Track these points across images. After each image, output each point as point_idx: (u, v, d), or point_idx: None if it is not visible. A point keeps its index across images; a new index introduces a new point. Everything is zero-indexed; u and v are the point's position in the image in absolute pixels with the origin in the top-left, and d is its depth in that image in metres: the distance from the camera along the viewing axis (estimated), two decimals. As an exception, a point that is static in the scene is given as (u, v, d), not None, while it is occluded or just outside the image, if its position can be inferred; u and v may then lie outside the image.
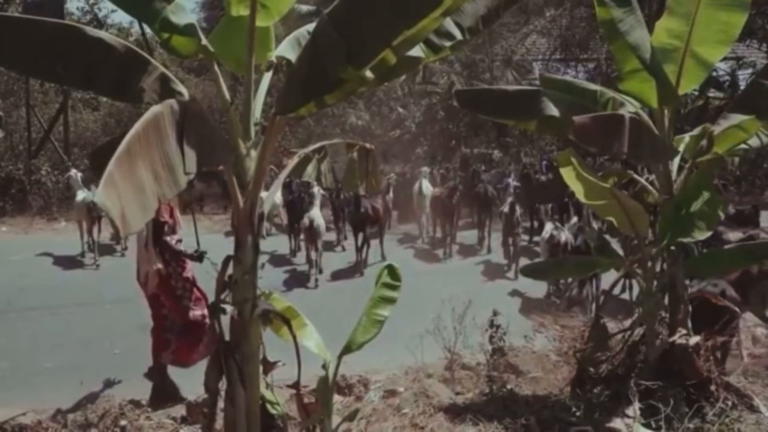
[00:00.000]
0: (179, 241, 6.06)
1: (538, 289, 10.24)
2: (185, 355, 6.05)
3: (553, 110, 5.30)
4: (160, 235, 5.94)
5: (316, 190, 11.90)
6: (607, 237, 6.19)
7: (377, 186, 4.74)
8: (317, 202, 11.94)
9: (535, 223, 15.06)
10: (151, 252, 5.98)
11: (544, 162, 18.11)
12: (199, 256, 5.56)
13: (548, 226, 11.06)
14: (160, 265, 5.96)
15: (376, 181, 4.72)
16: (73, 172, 13.99)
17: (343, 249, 14.11)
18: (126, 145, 2.63)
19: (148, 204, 2.66)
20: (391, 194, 15.62)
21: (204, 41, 3.65)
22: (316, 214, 11.62)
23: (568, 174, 5.20)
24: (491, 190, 14.68)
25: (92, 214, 12.33)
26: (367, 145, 4.67)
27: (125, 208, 2.50)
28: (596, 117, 4.88)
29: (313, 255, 11.55)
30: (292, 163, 4.06)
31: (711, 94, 22.80)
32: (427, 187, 14.95)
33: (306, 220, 11.57)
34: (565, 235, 10.55)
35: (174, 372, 6.13)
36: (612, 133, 4.68)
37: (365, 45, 3.08)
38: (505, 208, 12.73)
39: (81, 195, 12.64)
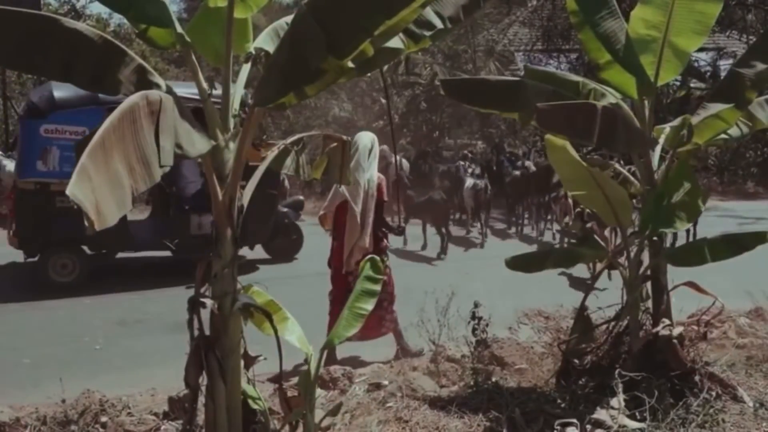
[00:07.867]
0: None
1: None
2: (373, 330, 6.54)
3: (534, 100, 5.28)
4: (381, 214, 6.49)
5: None
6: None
7: (351, 178, 4.81)
8: None
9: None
10: (368, 228, 6.32)
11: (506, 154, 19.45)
12: (401, 231, 6.32)
13: (469, 180, 13.91)
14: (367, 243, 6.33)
15: (350, 173, 4.72)
16: None
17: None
18: (101, 138, 2.56)
19: (125, 198, 2.59)
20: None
21: (180, 31, 3.59)
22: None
23: (554, 157, 5.19)
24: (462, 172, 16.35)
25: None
26: (344, 137, 4.62)
27: (100, 201, 2.43)
28: (561, 105, 4.88)
29: None
30: (271, 155, 4.00)
31: (693, 85, 23.01)
32: (405, 163, 16.93)
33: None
34: (484, 182, 13.58)
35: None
36: (580, 122, 4.66)
37: (346, 35, 3.04)
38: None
39: (9, 166, 14.14)
